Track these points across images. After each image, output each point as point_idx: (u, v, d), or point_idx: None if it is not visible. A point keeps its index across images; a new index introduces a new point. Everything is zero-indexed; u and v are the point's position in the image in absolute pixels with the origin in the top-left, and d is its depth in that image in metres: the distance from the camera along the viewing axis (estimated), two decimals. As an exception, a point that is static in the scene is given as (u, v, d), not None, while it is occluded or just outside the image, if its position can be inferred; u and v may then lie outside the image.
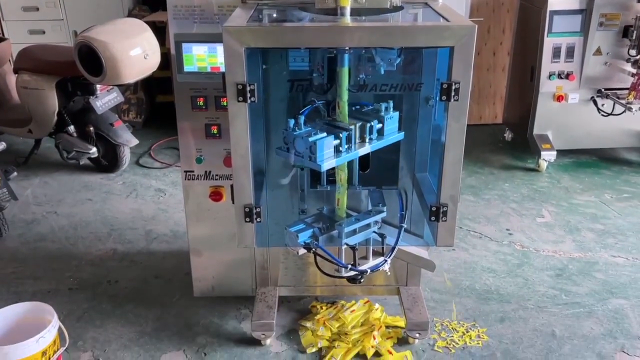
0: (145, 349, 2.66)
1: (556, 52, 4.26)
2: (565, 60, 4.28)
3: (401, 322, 2.79)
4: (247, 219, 2.06)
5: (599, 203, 4.00)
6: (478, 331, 2.77)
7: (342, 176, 2.27)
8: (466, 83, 1.88)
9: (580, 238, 3.57)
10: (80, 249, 3.47)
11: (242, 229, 2.09)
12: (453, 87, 1.88)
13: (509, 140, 5.03)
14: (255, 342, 2.66)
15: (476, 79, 5.31)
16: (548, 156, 4.38)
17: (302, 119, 2.06)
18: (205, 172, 2.58)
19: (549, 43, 4.24)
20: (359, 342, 2.66)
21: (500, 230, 3.66)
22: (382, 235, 2.40)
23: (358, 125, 2.08)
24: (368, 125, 2.07)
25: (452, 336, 2.74)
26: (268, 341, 2.65)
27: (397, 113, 2.19)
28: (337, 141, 2.01)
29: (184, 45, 2.39)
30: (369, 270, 2.35)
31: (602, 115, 4.36)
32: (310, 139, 2.00)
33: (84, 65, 3.74)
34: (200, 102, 2.46)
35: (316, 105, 2.22)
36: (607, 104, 4.36)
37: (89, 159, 4.40)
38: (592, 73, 4.31)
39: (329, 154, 2.03)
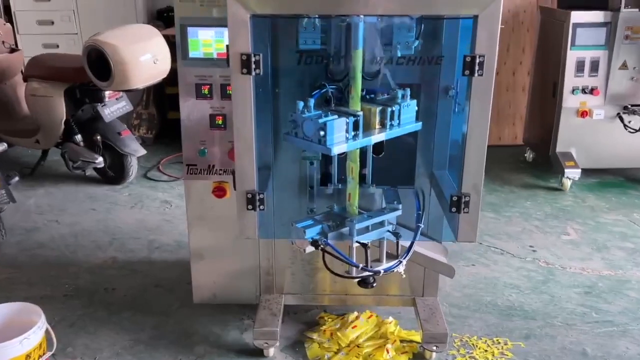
0: (139, 357, 2.47)
1: (580, 66, 4.10)
2: (589, 74, 4.12)
3: (417, 337, 2.56)
4: (250, 207, 1.90)
5: (627, 222, 3.77)
6: (501, 348, 2.54)
7: (354, 168, 2.11)
8: (492, 56, 1.72)
9: (610, 256, 3.33)
10: (80, 257, 3.31)
11: (244, 217, 1.92)
12: (477, 61, 1.73)
13: (530, 161, 4.84)
14: (257, 353, 2.46)
15: (495, 99, 5.10)
16: (572, 174, 4.17)
17: (312, 102, 1.91)
18: (209, 166, 2.43)
19: (572, 56, 4.08)
20: (371, 357, 2.43)
21: (523, 247, 3.44)
22: (396, 234, 2.21)
23: (378, 109, 1.93)
24: (389, 110, 1.92)
25: (473, 353, 2.51)
26: (271, 351, 2.44)
27: (414, 101, 2.04)
28: (346, 126, 1.86)
29: (190, 30, 2.27)
30: (382, 271, 2.16)
31: (629, 132, 4.16)
32: (321, 121, 1.84)
33: (93, 70, 3.65)
34: (205, 90, 2.33)
35: (327, 90, 2.07)
36: (634, 121, 4.17)
37: (95, 169, 4.28)
38: (617, 88, 4.13)
39: (340, 138, 1.87)
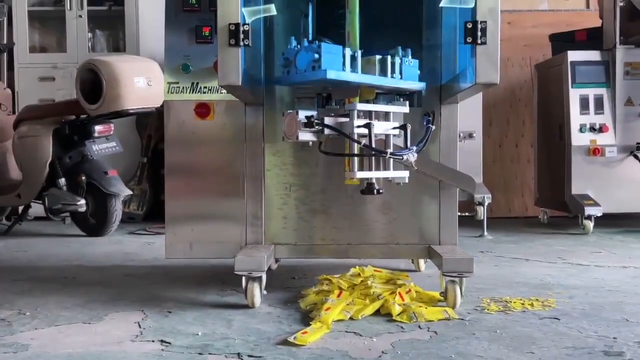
0: (92, 310, 1.98)
1: (584, 104, 3.99)
2: (595, 112, 4.00)
3: (436, 294, 2.08)
4: (232, 41, 1.64)
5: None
6: (542, 303, 2.05)
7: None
8: (494, 22, 1.64)
9: (652, 261, 2.89)
10: (41, 264, 2.88)
11: (226, 56, 1.65)
12: (479, 27, 1.64)
13: (546, 222, 4.48)
14: (238, 307, 1.98)
15: (500, 170, 4.99)
16: (593, 211, 3.82)
17: (305, 41, 1.81)
18: (192, 83, 2.18)
19: (574, 94, 4.00)
20: (381, 298, 1.95)
21: (552, 258, 2.99)
22: (404, 127, 1.92)
23: (378, 58, 1.87)
24: (389, 60, 1.87)
25: (508, 305, 2.02)
26: (257, 300, 1.96)
27: (416, 61, 1.98)
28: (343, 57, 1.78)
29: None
30: (389, 153, 1.83)
31: (648, 167, 3.90)
32: (315, 45, 1.73)
33: (85, 97, 3.56)
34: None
35: (324, 40, 1.95)
36: (650, 159, 3.94)
37: (75, 220, 3.95)
38: (626, 126, 3.98)
39: (337, 65, 1.73)
